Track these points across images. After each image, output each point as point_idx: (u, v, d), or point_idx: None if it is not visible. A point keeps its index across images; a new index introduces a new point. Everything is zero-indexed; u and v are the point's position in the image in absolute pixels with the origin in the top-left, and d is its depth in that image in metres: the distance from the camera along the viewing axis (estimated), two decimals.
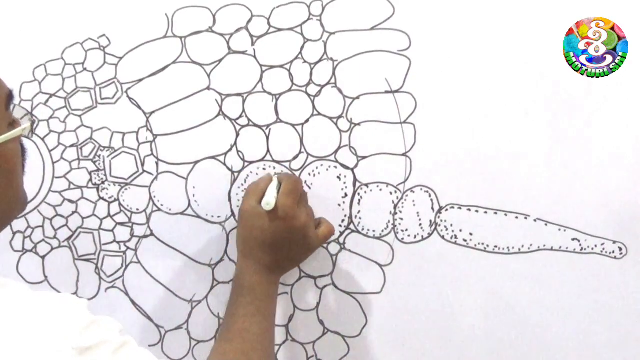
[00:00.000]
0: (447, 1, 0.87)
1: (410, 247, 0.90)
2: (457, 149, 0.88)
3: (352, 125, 0.89)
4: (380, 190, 0.90)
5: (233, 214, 0.93)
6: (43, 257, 0.96)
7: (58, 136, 0.95)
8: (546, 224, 0.87)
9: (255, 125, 0.91)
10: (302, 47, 0.90)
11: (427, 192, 0.89)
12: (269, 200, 0.83)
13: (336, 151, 0.90)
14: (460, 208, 0.89)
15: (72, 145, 0.95)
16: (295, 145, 0.91)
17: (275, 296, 0.88)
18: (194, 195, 0.93)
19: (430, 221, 0.89)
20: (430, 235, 0.90)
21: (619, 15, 0.84)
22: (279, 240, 0.85)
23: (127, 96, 0.93)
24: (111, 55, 0.93)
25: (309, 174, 0.91)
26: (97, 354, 0.63)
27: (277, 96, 0.91)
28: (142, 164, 0.94)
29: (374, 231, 0.91)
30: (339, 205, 0.91)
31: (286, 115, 0.91)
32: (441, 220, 0.89)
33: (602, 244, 0.87)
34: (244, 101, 0.91)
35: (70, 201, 0.95)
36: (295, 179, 0.88)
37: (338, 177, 0.90)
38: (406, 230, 0.90)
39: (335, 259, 0.92)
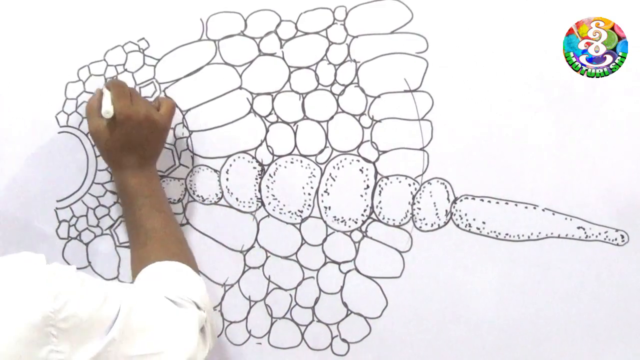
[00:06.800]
0: (461, 7, 0.88)
1: (428, 234, 0.92)
2: (471, 144, 0.90)
3: (374, 122, 0.91)
4: (400, 182, 0.92)
5: (263, 204, 0.94)
6: (87, 244, 0.97)
7: None
8: (553, 214, 0.89)
9: (283, 122, 0.93)
10: (327, 49, 0.91)
11: (443, 183, 0.91)
12: (107, 109, 0.85)
13: (359, 146, 0.92)
14: (473, 198, 0.91)
15: None
16: (320, 141, 0.93)
17: (159, 187, 0.88)
18: (226, 187, 0.95)
19: (446, 211, 0.91)
20: (446, 223, 0.92)
21: (619, 15, 0.85)
22: (132, 138, 0.86)
23: (165, 95, 0.94)
24: (150, 57, 0.94)
25: (334, 167, 0.92)
26: (65, 292, 0.66)
27: (304, 95, 0.92)
28: (179, 158, 0.95)
29: (393, 220, 0.93)
30: (361, 196, 0.93)
31: (312, 113, 0.93)
32: (456, 210, 0.91)
33: (605, 232, 0.89)
34: (273, 100, 0.93)
35: (112, 192, 0.96)
36: (119, 82, 0.88)
37: (360, 170, 0.92)
38: (424, 219, 0.92)
39: (358, 245, 0.94)
